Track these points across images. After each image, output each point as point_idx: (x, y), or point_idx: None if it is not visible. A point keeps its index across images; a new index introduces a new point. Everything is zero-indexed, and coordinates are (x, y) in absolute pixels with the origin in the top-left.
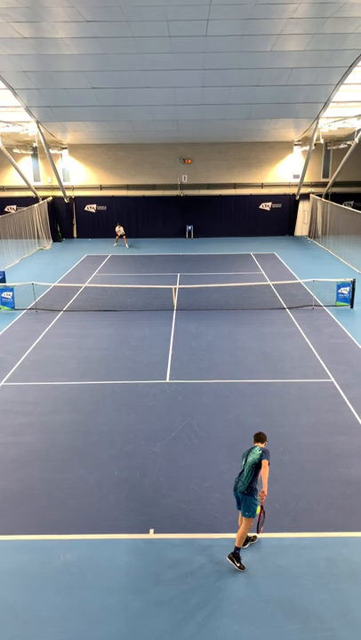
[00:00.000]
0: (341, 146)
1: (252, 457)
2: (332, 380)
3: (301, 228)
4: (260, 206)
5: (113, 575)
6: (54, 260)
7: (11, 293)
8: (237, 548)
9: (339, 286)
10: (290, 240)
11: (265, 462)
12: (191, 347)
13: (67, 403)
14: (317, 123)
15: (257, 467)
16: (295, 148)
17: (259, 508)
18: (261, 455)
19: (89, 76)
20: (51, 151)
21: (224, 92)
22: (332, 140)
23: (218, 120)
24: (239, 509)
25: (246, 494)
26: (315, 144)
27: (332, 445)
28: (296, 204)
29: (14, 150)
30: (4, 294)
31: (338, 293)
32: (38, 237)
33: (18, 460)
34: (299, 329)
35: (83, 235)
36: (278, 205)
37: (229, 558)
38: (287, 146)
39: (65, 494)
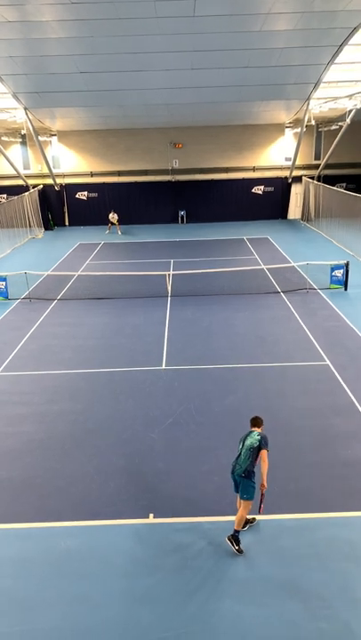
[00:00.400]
0: (333, 127)
1: (250, 441)
2: (328, 362)
3: (294, 211)
4: (253, 190)
5: (114, 560)
6: (47, 248)
7: (4, 283)
8: (236, 531)
9: (333, 269)
10: (283, 223)
11: (264, 453)
12: (187, 333)
13: (64, 392)
14: (308, 104)
15: (255, 450)
16: (286, 130)
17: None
18: (260, 441)
19: (76, 60)
20: (40, 138)
21: (214, 75)
22: (324, 122)
23: (208, 103)
24: (237, 492)
25: (244, 477)
26: (306, 126)
27: (329, 427)
28: (289, 187)
29: (2, 138)
30: None
31: (332, 276)
32: (30, 226)
33: (17, 450)
34: (294, 312)
35: (75, 222)
36: (271, 189)
37: (228, 540)
38: (278, 128)
39: (65, 482)
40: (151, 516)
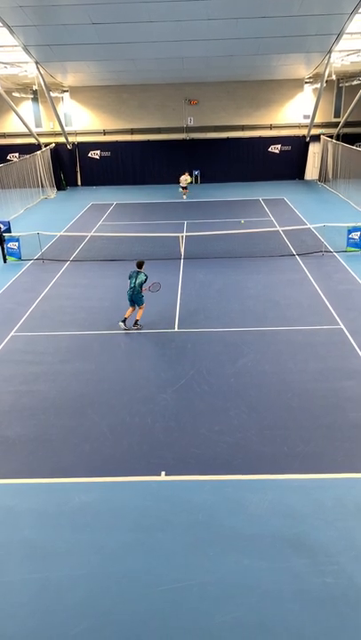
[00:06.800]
0: (354, 82)
1: (140, 279)
2: (342, 326)
3: (312, 171)
4: (270, 149)
5: (126, 515)
6: (59, 209)
7: (17, 244)
8: (137, 321)
9: (349, 231)
10: (300, 184)
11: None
12: (199, 295)
13: (77, 352)
14: (329, 57)
15: (142, 283)
16: (306, 86)
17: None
18: (146, 280)
19: (88, 9)
20: (52, 94)
21: (231, 25)
22: (345, 77)
23: (225, 57)
24: (132, 306)
25: (136, 294)
26: (326, 81)
27: (340, 390)
28: (306, 146)
29: (14, 94)
30: (10, 244)
31: (348, 238)
32: (42, 186)
33: (32, 408)
34: (308, 275)
35: (87, 182)
36: (288, 148)
37: (134, 326)
38: (297, 84)
39: (79, 439)
40: (163, 473)
